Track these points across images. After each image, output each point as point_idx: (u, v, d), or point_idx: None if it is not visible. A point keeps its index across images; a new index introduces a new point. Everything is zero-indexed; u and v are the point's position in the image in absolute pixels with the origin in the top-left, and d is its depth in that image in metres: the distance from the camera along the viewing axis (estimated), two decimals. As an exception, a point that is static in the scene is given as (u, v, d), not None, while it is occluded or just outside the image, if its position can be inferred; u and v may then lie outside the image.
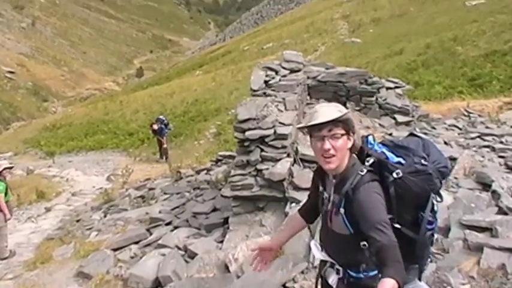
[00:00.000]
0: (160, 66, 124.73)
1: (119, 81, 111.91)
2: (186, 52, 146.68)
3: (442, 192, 6.79)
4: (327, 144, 2.74)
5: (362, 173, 2.74)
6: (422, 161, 2.76)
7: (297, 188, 7.88)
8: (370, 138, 2.95)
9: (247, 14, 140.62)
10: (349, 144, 2.81)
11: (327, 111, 2.76)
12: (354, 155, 2.91)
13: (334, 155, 2.76)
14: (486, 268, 4.72)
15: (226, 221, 8.62)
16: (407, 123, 11.82)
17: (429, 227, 2.80)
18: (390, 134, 10.98)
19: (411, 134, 3.13)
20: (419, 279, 2.98)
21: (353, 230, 2.74)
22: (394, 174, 2.70)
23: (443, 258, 5.03)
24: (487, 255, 4.80)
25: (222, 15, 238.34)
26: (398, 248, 2.51)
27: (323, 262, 3.12)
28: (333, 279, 3.01)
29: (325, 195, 3.00)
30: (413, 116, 12.18)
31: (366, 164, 2.80)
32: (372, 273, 2.80)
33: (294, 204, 7.61)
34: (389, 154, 2.84)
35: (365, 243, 2.66)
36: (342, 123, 2.76)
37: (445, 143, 10.30)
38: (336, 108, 2.79)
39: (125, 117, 33.81)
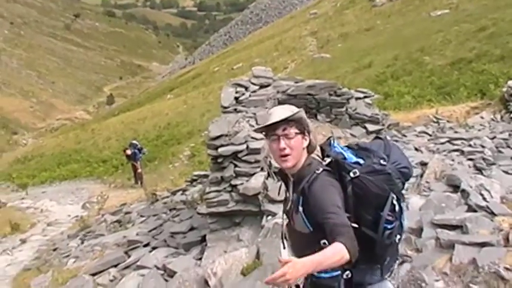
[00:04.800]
0: (131, 92, 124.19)
1: (89, 109, 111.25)
2: (156, 77, 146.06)
3: (415, 196, 6.94)
4: (282, 144, 2.81)
5: (318, 172, 2.79)
6: (381, 161, 2.80)
7: (272, 201, 7.94)
8: (332, 140, 3.00)
9: (216, 35, 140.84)
10: (305, 144, 2.88)
11: (280, 111, 2.86)
12: (316, 155, 2.97)
13: (289, 154, 2.82)
14: (458, 264, 4.82)
15: (203, 239, 8.65)
16: (378, 132, 11.94)
17: (388, 226, 2.79)
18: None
19: (376, 137, 3.19)
20: (383, 278, 3.00)
21: (312, 228, 2.76)
22: (351, 174, 2.74)
23: (417, 257, 5.14)
24: (458, 252, 4.92)
25: (190, 38, 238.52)
26: (351, 229, 2.55)
27: None
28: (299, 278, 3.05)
29: (287, 194, 3.05)
30: (383, 125, 12.35)
31: (323, 163, 2.87)
32: (334, 274, 2.80)
33: (270, 217, 7.67)
34: (348, 155, 2.89)
35: (325, 241, 2.62)
36: (295, 122, 2.84)
37: (416, 149, 10.47)
38: (289, 108, 2.88)
39: (97, 145, 33.60)
